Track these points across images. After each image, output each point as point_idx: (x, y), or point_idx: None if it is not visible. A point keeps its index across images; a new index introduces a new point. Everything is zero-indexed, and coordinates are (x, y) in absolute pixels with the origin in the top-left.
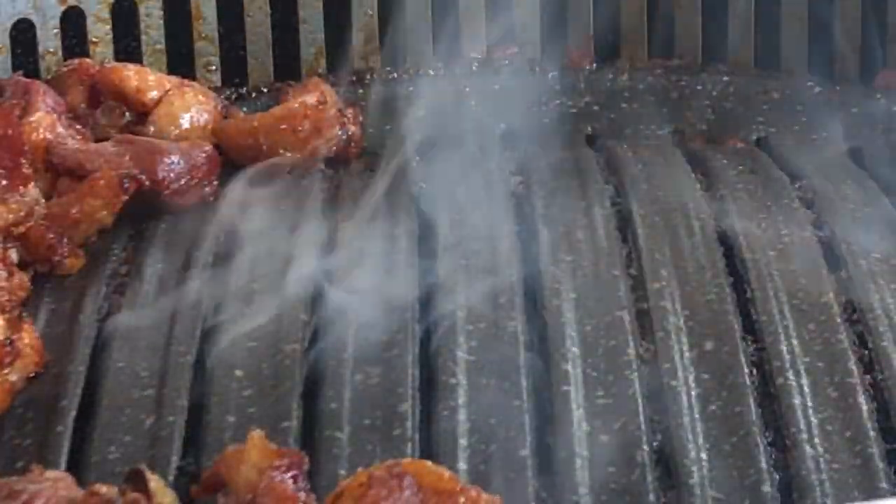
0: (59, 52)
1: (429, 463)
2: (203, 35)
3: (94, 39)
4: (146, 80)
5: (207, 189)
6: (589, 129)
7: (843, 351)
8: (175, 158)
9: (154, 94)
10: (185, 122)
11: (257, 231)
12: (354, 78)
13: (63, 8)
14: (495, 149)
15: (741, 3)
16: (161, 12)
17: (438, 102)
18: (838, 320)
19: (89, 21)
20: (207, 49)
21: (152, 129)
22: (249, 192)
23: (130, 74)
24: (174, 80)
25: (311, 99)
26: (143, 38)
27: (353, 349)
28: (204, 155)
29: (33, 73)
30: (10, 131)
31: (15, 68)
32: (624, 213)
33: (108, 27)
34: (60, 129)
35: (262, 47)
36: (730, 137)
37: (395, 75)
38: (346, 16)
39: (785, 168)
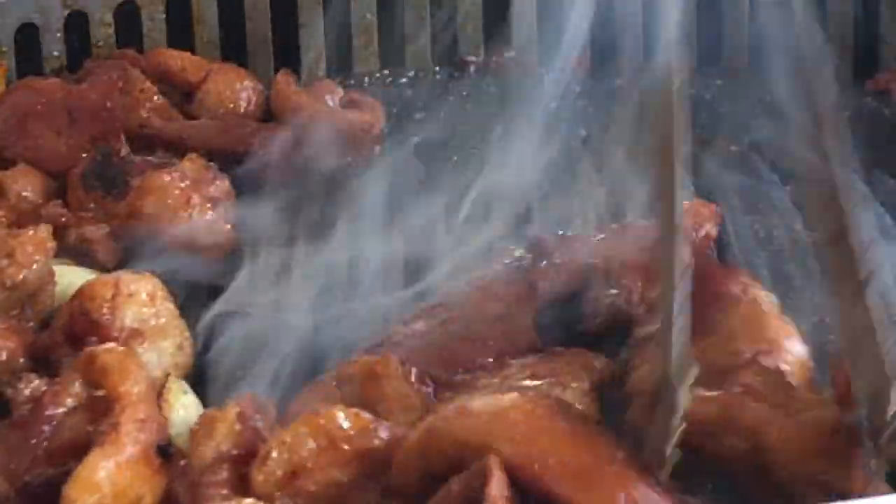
0: (63, 56)
1: (342, 407)
2: (205, 39)
3: (97, 43)
4: (190, 60)
5: (296, 165)
6: (584, 131)
7: (836, 351)
8: (265, 134)
9: (198, 72)
10: (231, 100)
11: None
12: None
13: (67, 12)
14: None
15: (736, 6)
16: (163, 16)
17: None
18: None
19: (92, 25)
20: (209, 53)
21: (199, 106)
22: None
23: (175, 55)
24: (215, 62)
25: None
26: (146, 41)
27: None
28: (289, 133)
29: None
30: (108, 104)
31: (19, 71)
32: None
33: (111, 31)
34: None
35: (262, 51)
36: (723, 140)
37: (393, 78)
38: (345, 19)
39: (777, 170)
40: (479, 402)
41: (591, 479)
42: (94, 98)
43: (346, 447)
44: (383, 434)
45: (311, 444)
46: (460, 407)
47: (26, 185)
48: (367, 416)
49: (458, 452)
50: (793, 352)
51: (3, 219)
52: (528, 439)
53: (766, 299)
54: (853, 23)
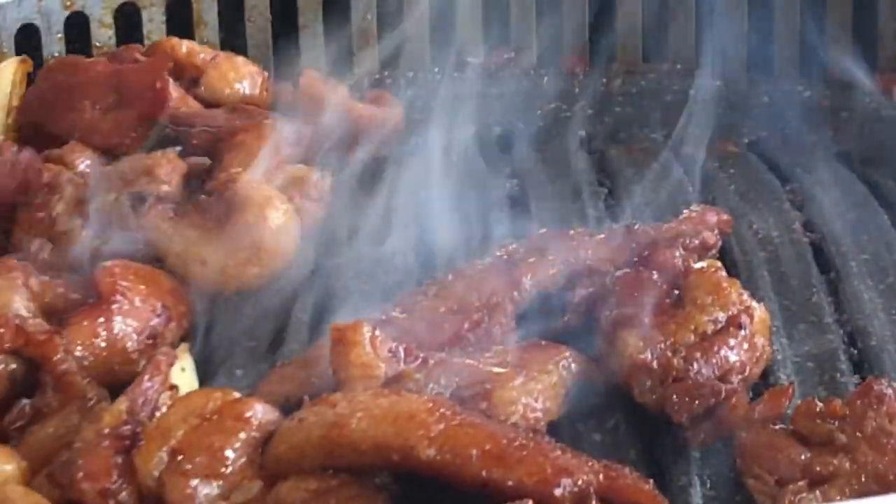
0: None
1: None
2: (205, 40)
3: (97, 44)
4: (195, 46)
5: (310, 155)
6: (583, 132)
7: (833, 350)
8: (288, 126)
9: (204, 56)
10: (237, 85)
11: None
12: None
13: (67, 13)
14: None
15: (734, 9)
16: (163, 17)
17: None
18: (829, 321)
19: (93, 26)
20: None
21: (205, 90)
22: None
23: (181, 42)
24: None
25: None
26: (146, 42)
27: None
28: (311, 126)
29: None
30: (158, 84)
31: None
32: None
33: (112, 32)
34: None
35: (263, 52)
36: (722, 141)
37: (393, 78)
38: (345, 20)
39: (776, 171)
40: (384, 403)
41: (514, 457)
42: (144, 78)
43: (216, 421)
44: (259, 414)
45: (183, 424)
46: (365, 405)
47: (84, 160)
48: (235, 393)
49: (371, 450)
50: (757, 310)
51: (74, 192)
52: (445, 436)
53: (713, 265)
54: (853, 23)
